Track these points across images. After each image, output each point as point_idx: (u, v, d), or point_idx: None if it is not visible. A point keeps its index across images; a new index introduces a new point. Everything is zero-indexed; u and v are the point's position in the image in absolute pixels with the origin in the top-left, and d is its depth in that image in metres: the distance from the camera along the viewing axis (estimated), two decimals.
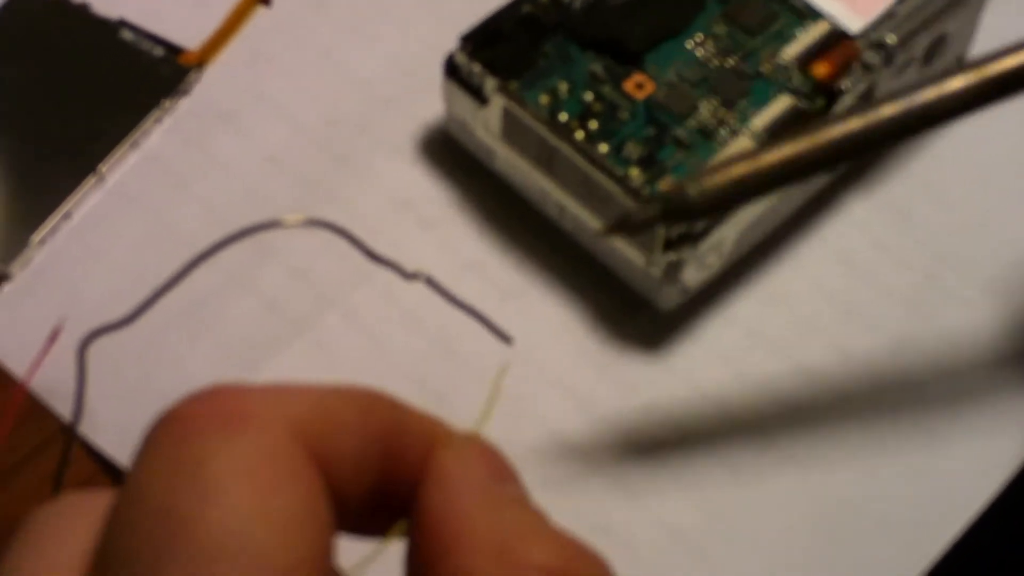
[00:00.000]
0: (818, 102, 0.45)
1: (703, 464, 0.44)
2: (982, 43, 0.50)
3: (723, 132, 0.44)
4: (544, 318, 0.46)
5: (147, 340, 0.45)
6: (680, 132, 0.44)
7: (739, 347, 0.46)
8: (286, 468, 0.21)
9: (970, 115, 0.39)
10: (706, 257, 0.44)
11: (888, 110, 0.38)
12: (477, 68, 0.45)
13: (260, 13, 0.52)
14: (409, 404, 0.24)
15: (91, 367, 0.43)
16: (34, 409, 0.44)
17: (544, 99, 0.45)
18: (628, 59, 0.46)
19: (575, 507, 0.42)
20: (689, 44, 0.46)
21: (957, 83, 0.39)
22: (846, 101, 0.45)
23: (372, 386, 0.24)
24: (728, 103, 0.45)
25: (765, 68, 0.46)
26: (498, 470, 0.24)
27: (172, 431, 0.22)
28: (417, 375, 0.45)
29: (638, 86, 0.45)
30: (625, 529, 0.42)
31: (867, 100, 0.46)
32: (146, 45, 0.51)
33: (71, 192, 0.48)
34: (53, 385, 0.44)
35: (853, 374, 0.45)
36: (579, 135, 0.44)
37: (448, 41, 0.46)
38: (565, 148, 0.44)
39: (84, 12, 0.51)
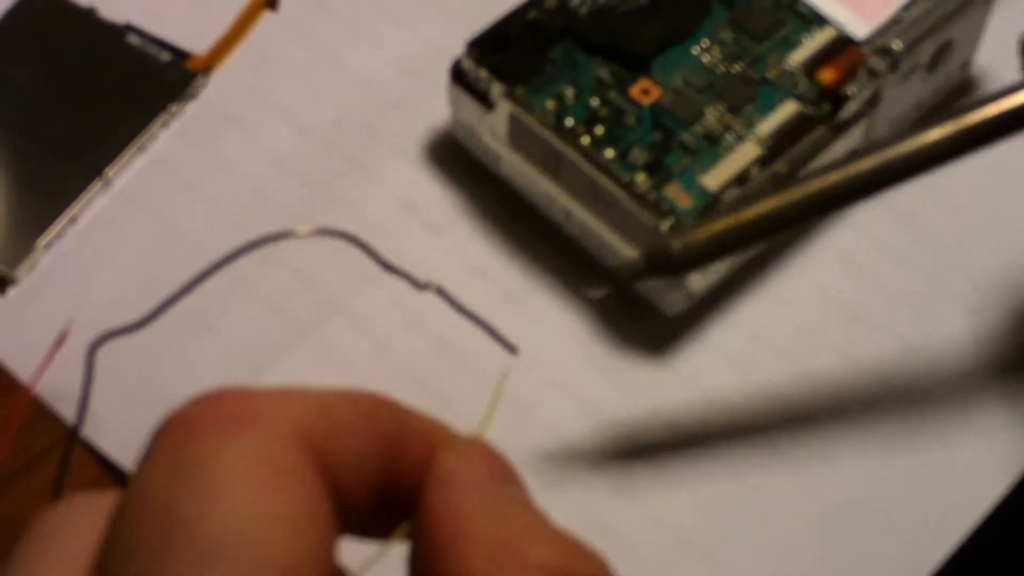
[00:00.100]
0: (824, 108, 0.45)
1: (707, 467, 0.44)
2: (987, 49, 0.50)
3: (729, 138, 0.44)
4: (549, 322, 0.46)
5: (152, 344, 0.45)
6: (686, 137, 0.44)
7: (744, 351, 0.46)
8: (287, 469, 0.22)
9: (949, 165, 0.39)
10: None
11: (867, 163, 0.39)
12: (484, 73, 0.45)
13: (267, 17, 0.52)
14: (412, 407, 0.24)
15: (97, 371, 0.43)
16: (40, 413, 0.44)
17: (550, 104, 0.45)
18: (634, 65, 0.46)
19: (578, 509, 0.42)
20: (695, 50, 0.46)
21: (935, 134, 0.39)
22: (852, 107, 0.45)
23: (376, 390, 0.24)
24: (734, 109, 0.45)
25: (771, 74, 0.46)
26: (500, 472, 0.24)
27: (175, 433, 0.22)
28: (421, 379, 0.45)
29: (644, 92, 0.45)
30: (628, 531, 0.42)
31: (872, 105, 0.46)
32: (153, 50, 0.51)
33: (77, 196, 0.48)
34: (59, 389, 0.44)
35: (857, 377, 0.45)
36: (585, 140, 0.44)
37: (455, 44, 0.46)
38: (571, 153, 0.44)
39: (91, 17, 0.51)
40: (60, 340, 0.44)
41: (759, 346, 0.46)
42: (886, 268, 0.47)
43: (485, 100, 0.46)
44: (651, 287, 0.45)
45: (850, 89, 0.45)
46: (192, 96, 0.50)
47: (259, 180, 0.49)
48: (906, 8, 0.46)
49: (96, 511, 0.23)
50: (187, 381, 0.44)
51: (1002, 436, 0.44)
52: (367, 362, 0.45)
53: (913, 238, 0.48)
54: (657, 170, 0.44)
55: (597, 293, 0.40)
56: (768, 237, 0.41)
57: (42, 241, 0.47)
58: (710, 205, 0.43)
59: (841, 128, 0.45)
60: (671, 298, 0.44)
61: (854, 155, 0.40)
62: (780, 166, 0.44)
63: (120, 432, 0.44)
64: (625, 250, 0.44)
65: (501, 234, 0.48)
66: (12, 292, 0.46)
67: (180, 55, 0.51)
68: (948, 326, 0.46)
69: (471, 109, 0.46)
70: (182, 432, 0.22)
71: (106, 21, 0.51)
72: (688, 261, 0.40)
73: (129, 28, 0.51)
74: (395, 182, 0.49)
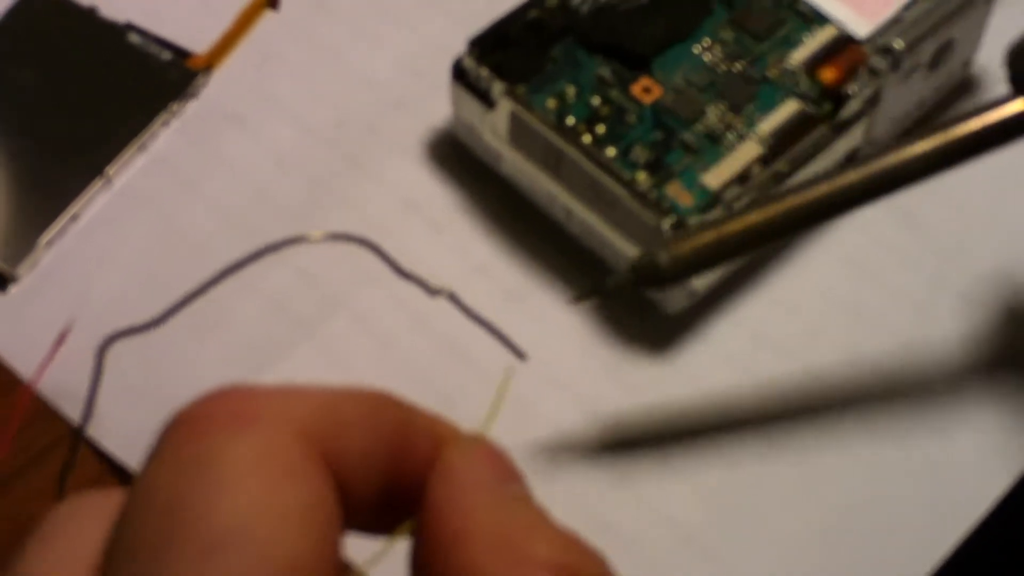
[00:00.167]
0: (825, 107, 0.45)
1: (708, 464, 0.44)
2: (988, 48, 0.50)
3: (730, 136, 0.44)
4: (551, 320, 0.46)
5: (156, 342, 0.45)
6: (687, 136, 0.44)
7: (745, 349, 0.46)
8: (292, 465, 0.22)
9: (934, 177, 0.40)
10: None
11: (852, 176, 0.40)
12: (485, 72, 0.45)
13: (268, 16, 0.52)
14: (416, 405, 0.25)
15: (93, 368, 0.43)
16: (41, 411, 0.44)
17: (551, 103, 0.45)
18: (635, 64, 0.46)
19: (579, 506, 0.42)
20: (696, 49, 0.46)
21: (920, 148, 0.40)
22: (853, 106, 0.45)
23: (382, 388, 0.24)
24: (735, 108, 0.45)
25: (772, 73, 0.46)
26: (503, 470, 0.24)
27: (181, 430, 0.22)
28: (424, 378, 0.45)
29: (645, 90, 0.45)
30: (629, 528, 0.42)
31: (873, 104, 0.46)
32: (154, 49, 0.51)
33: (78, 194, 0.48)
34: (61, 387, 0.44)
35: (859, 375, 0.45)
36: (586, 139, 0.44)
37: (456, 43, 0.46)
38: (572, 152, 0.44)
39: (92, 16, 0.51)
40: (61, 338, 0.44)
41: (760, 344, 0.46)
42: (887, 266, 0.47)
43: (486, 99, 0.46)
44: None
45: (851, 88, 0.45)
46: (193, 95, 0.50)
47: (260, 179, 0.49)
48: (907, 7, 0.46)
49: (102, 509, 0.23)
50: (190, 380, 0.44)
51: (1003, 434, 0.44)
52: (370, 361, 0.45)
53: (914, 237, 0.48)
54: (658, 169, 0.44)
55: (583, 303, 0.41)
56: (755, 249, 0.42)
57: (43, 239, 0.47)
58: (711, 204, 0.43)
59: (842, 127, 0.45)
60: (673, 296, 0.44)
61: (840, 168, 0.40)
62: (781, 165, 0.44)
63: (123, 430, 0.44)
64: (626, 248, 0.44)
65: (502, 232, 0.48)
66: (13, 290, 0.46)
67: (181, 54, 0.51)
68: (949, 324, 0.46)
69: (472, 108, 0.46)
70: (188, 429, 0.22)
71: (107, 20, 0.51)
72: (676, 273, 0.40)
73: (130, 27, 0.51)
74: (396, 181, 0.49)
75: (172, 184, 0.49)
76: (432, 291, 0.40)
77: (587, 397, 0.45)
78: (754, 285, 0.47)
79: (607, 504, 0.43)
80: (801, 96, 0.45)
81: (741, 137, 0.44)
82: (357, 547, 0.24)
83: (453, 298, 0.42)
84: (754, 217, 0.40)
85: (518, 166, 0.46)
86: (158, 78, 0.50)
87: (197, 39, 0.51)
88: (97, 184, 0.48)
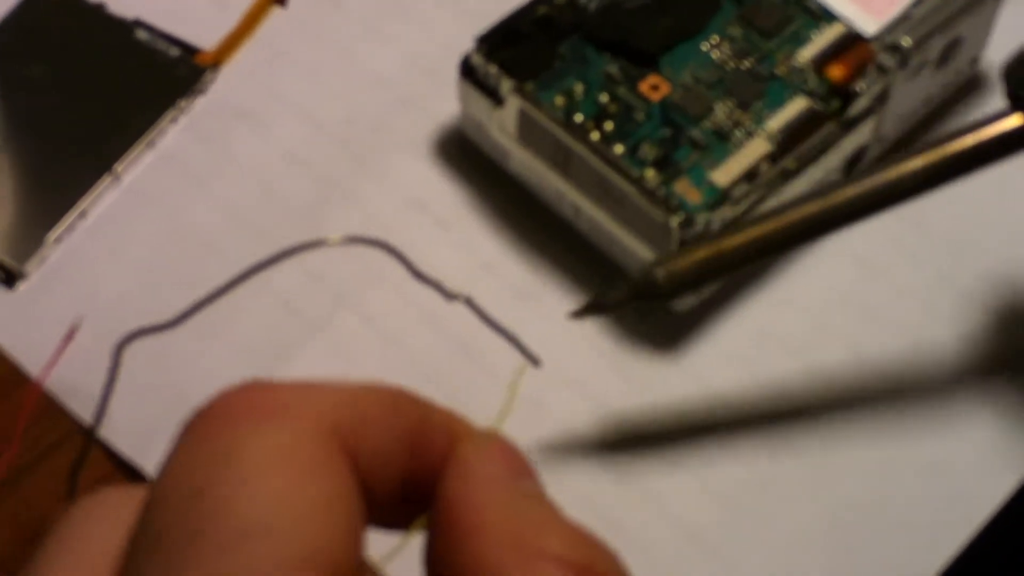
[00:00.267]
0: (833, 104, 0.45)
1: (715, 463, 0.44)
2: (996, 45, 0.50)
3: (738, 133, 0.44)
4: (559, 318, 0.46)
5: (164, 340, 0.45)
6: (695, 133, 0.44)
7: (752, 348, 0.46)
8: (317, 459, 0.22)
9: (931, 193, 0.40)
10: None
11: (847, 193, 0.40)
12: (493, 69, 0.45)
13: (276, 13, 0.52)
14: (432, 400, 0.25)
15: (107, 365, 0.44)
16: (49, 408, 0.44)
17: (560, 100, 0.45)
18: (644, 61, 0.46)
19: (586, 503, 0.42)
20: (705, 46, 0.46)
21: (915, 164, 0.40)
22: (861, 103, 0.45)
23: (397, 383, 0.24)
24: (743, 105, 0.45)
25: (780, 70, 0.46)
26: (517, 465, 0.24)
27: (206, 423, 0.22)
28: (434, 378, 0.45)
29: (653, 88, 0.45)
30: (636, 526, 0.42)
31: (882, 102, 0.46)
32: (162, 45, 0.51)
33: (87, 191, 0.48)
34: (69, 384, 0.44)
35: (866, 374, 0.45)
36: (595, 136, 0.44)
37: (465, 41, 0.46)
38: (580, 149, 0.44)
39: (100, 12, 0.52)
40: (69, 335, 0.44)
41: (767, 343, 0.46)
42: (895, 265, 0.47)
43: (494, 96, 0.46)
44: None
45: (859, 85, 0.45)
46: (201, 91, 0.50)
47: (268, 176, 0.49)
48: (915, 4, 0.46)
49: (121, 505, 0.23)
50: (202, 379, 0.44)
51: (1011, 433, 0.44)
52: (381, 361, 0.45)
53: (922, 236, 0.48)
54: (666, 166, 0.44)
55: (581, 318, 0.41)
56: (751, 264, 0.42)
57: (51, 236, 0.47)
58: (719, 201, 0.43)
59: (850, 124, 0.45)
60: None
61: (836, 184, 0.40)
62: (789, 162, 0.44)
63: (131, 427, 0.44)
64: (634, 245, 0.44)
65: (510, 230, 0.48)
66: (22, 286, 0.46)
67: (189, 50, 0.51)
68: (957, 324, 0.46)
69: (480, 105, 0.46)
70: (213, 422, 0.22)
71: (115, 16, 0.51)
72: (672, 288, 0.40)
73: (138, 23, 0.51)
74: (404, 178, 0.49)
75: (180, 181, 0.49)
76: (449, 295, 0.40)
77: (594, 395, 0.45)
78: (761, 284, 0.47)
79: (613, 502, 0.43)
80: (809, 93, 0.45)
81: (749, 134, 0.44)
82: (372, 542, 0.24)
83: (470, 303, 0.42)
84: (750, 233, 0.40)
85: (526, 163, 0.46)
86: (166, 74, 0.50)
87: (205, 35, 0.51)
88: (105, 181, 0.48)
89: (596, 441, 0.44)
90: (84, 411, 0.44)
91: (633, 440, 0.44)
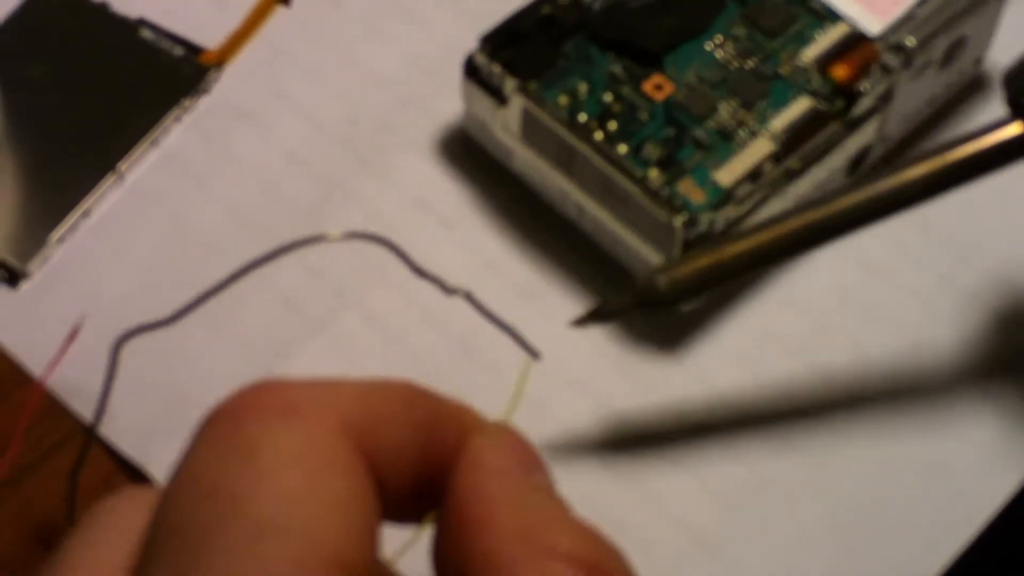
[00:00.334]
0: (837, 104, 0.45)
1: (718, 463, 0.44)
2: (1000, 45, 0.50)
3: (742, 133, 0.44)
4: (562, 317, 0.46)
5: (166, 338, 0.45)
6: (699, 133, 0.44)
7: (755, 348, 0.46)
8: (334, 457, 0.22)
9: (932, 201, 0.40)
10: None
11: (847, 201, 0.40)
12: (497, 68, 0.45)
13: (280, 12, 0.52)
14: (443, 394, 0.25)
15: (108, 363, 0.44)
16: (51, 408, 0.44)
17: (563, 100, 0.45)
18: (647, 60, 0.46)
19: (589, 504, 0.42)
20: (708, 46, 0.46)
21: (916, 172, 0.40)
22: (865, 103, 0.45)
23: (408, 379, 0.24)
24: (747, 104, 0.45)
25: (784, 70, 0.46)
26: (528, 459, 0.24)
27: (225, 420, 0.22)
28: (435, 373, 0.45)
29: (657, 87, 0.45)
30: (639, 527, 0.42)
31: (886, 101, 0.46)
32: (165, 44, 0.51)
33: (90, 190, 0.48)
34: (71, 383, 0.44)
35: (869, 374, 0.45)
36: (598, 136, 0.44)
37: (468, 40, 0.46)
38: (584, 149, 0.44)
39: (103, 11, 0.51)
40: (72, 334, 0.44)
41: (771, 343, 0.46)
42: (898, 266, 0.47)
43: (498, 95, 0.46)
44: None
45: (863, 85, 0.45)
46: (205, 91, 0.50)
47: (271, 175, 0.49)
48: (919, 4, 0.46)
49: (140, 506, 0.23)
50: (203, 377, 0.44)
51: (1013, 433, 0.44)
52: (379, 356, 0.45)
53: (926, 236, 0.48)
54: (670, 165, 0.44)
55: (583, 326, 0.41)
56: (752, 272, 0.42)
57: (54, 235, 0.47)
58: (723, 200, 0.43)
59: (854, 124, 0.45)
60: None
61: (836, 192, 0.41)
62: (793, 162, 0.44)
63: (133, 426, 0.44)
64: (638, 245, 0.44)
65: (514, 229, 0.48)
66: (24, 286, 0.46)
67: (193, 49, 0.51)
68: (960, 324, 0.46)
69: (484, 104, 0.46)
70: (232, 419, 0.22)
71: (119, 15, 0.51)
72: (674, 296, 0.40)
73: (142, 22, 0.51)
74: (407, 178, 0.49)
75: (183, 180, 0.49)
76: (449, 290, 0.40)
77: (597, 395, 0.45)
78: (763, 285, 0.47)
79: (614, 501, 0.43)
80: (813, 93, 0.45)
81: (753, 134, 0.44)
82: (384, 537, 0.24)
83: (470, 297, 0.42)
84: (752, 241, 0.41)
85: (530, 163, 0.46)
86: (170, 74, 0.50)
87: (209, 35, 0.51)
88: (108, 180, 0.48)
89: (598, 440, 0.44)
90: (86, 411, 0.44)
91: (635, 439, 0.44)
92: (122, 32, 0.51)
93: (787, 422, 0.44)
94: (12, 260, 0.46)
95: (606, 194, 0.44)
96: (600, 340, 0.45)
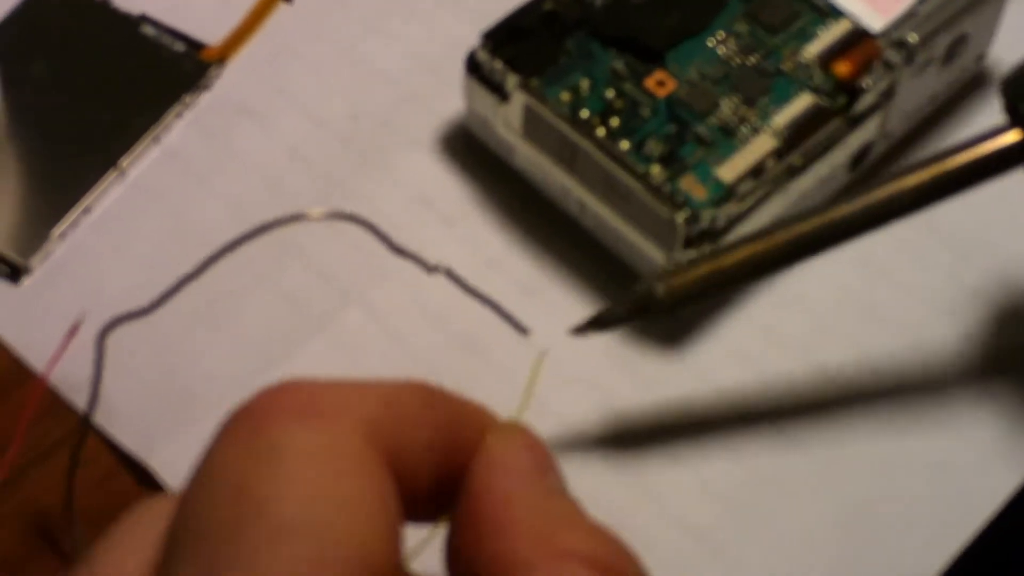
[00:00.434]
0: (839, 100, 0.45)
1: (720, 461, 0.44)
2: (1002, 42, 0.50)
3: (744, 130, 0.44)
4: (564, 314, 0.46)
5: (166, 333, 0.45)
6: (701, 129, 0.44)
7: (757, 346, 0.46)
8: (358, 459, 0.22)
9: (928, 209, 0.40)
10: None
11: (845, 209, 0.40)
12: (499, 65, 0.45)
13: (282, 9, 0.52)
14: (458, 394, 0.25)
15: (111, 359, 0.43)
16: (54, 404, 0.44)
17: (565, 96, 0.45)
18: (650, 57, 0.46)
19: (591, 502, 0.42)
20: (711, 42, 0.46)
21: (917, 178, 0.40)
22: (867, 99, 0.45)
23: (425, 378, 0.24)
24: (749, 101, 0.45)
25: (786, 66, 0.46)
26: (542, 460, 0.25)
27: (248, 420, 0.22)
28: (437, 370, 0.45)
29: (659, 84, 0.45)
30: (641, 525, 0.42)
31: (888, 98, 0.46)
32: (167, 40, 0.51)
33: (91, 187, 0.48)
34: (73, 379, 0.44)
35: (871, 373, 0.45)
36: (600, 132, 0.44)
37: (470, 37, 0.46)
38: (586, 145, 0.44)
39: (105, 7, 0.52)
40: (73, 330, 0.44)
41: (772, 341, 0.46)
42: (900, 264, 0.47)
43: (500, 92, 0.46)
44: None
45: (865, 82, 0.45)
46: (206, 87, 0.50)
47: (273, 172, 0.49)
48: (921, 1, 0.46)
49: (163, 516, 0.23)
50: (201, 370, 0.45)
51: (1015, 431, 0.44)
52: (382, 353, 0.45)
53: (928, 234, 0.48)
54: (672, 162, 0.44)
55: (583, 335, 0.41)
56: (751, 280, 0.42)
57: (56, 231, 0.47)
58: (725, 197, 0.43)
59: (856, 120, 0.45)
60: None
61: (835, 200, 0.41)
62: (795, 158, 0.44)
63: (134, 422, 0.44)
64: (640, 241, 0.44)
65: (516, 226, 0.48)
66: (26, 282, 0.46)
67: (195, 46, 0.51)
68: (962, 322, 0.46)
69: (486, 101, 0.46)
70: (255, 419, 0.22)
71: (120, 11, 0.51)
72: (672, 304, 0.40)
73: (143, 19, 0.51)
74: (410, 175, 0.49)
75: (185, 177, 0.49)
76: (429, 268, 0.40)
77: (599, 392, 0.45)
78: (766, 282, 0.47)
79: (617, 499, 0.43)
80: (815, 89, 0.45)
81: (755, 130, 0.44)
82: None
83: (451, 274, 0.42)
84: (751, 249, 0.41)
85: (532, 159, 0.46)
86: (171, 70, 0.50)
87: (211, 31, 0.51)
88: (110, 177, 0.48)
89: (599, 437, 0.44)
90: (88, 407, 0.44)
91: (636, 437, 0.44)
92: (123, 28, 0.51)
93: (788, 420, 0.44)
94: (14, 256, 0.46)
95: (608, 191, 0.44)
96: (602, 337, 0.45)
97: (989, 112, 0.50)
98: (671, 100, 0.45)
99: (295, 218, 0.42)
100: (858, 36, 0.46)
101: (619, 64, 0.45)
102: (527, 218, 0.48)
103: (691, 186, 0.43)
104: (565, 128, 0.44)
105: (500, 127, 0.47)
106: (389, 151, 0.49)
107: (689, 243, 0.43)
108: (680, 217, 0.43)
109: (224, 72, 0.51)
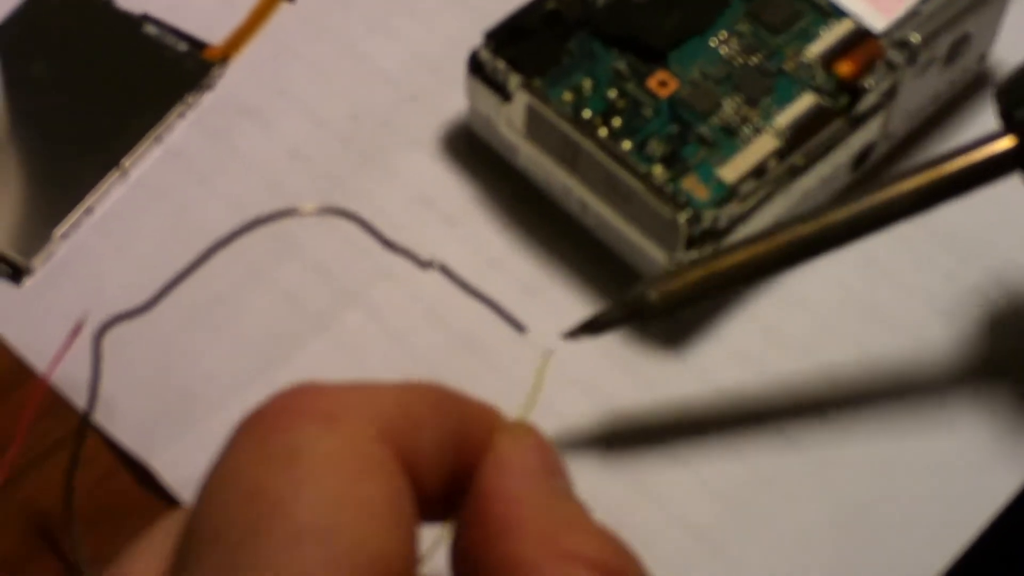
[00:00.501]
0: (841, 100, 0.45)
1: (721, 462, 0.43)
2: (1004, 43, 0.50)
3: (746, 130, 0.44)
4: (565, 314, 0.46)
5: (166, 333, 0.45)
6: (703, 130, 0.44)
7: (758, 346, 0.46)
8: (375, 462, 0.22)
9: (922, 214, 0.40)
10: None
11: (839, 215, 0.40)
12: (501, 65, 0.45)
13: (284, 8, 0.52)
14: (467, 394, 0.25)
15: (110, 359, 0.43)
16: (56, 404, 0.44)
17: (568, 96, 0.45)
18: (652, 57, 0.46)
19: (591, 502, 0.42)
20: (713, 42, 0.46)
21: (910, 184, 0.40)
22: (869, 99, 0.45)
23: (436, 380, 0.24)
24: (752, 101, 0.45)
25: (789, 66, 0.46)
26: (550, 462, 0.25)
27: (264, 423, 0.23)
28: (437, 369, 0.45)
29: (662, 84, 0.45)
30: (641, 525, 0.42)
31: (890, 98, 0.46)
32: (170, 40, 0.51)
33: (94, 186, 0.48)
34: (75, 380, 0.44)
35: (872, 373, 0.45)
36: (602, 132, 0.44)
37: (472, 37, 0.46)
38: (588, 145, 0.44)
39: (108, 7, 0.52)
40: (76, 330, 0.44)
41: (773, 341, 0.46)
42: (902, 264, 0.47)
43: (502, 91, 0.46)
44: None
45: (868, 82, 0.45)
46: (209, 87, 0.50)
47: (275, 172, 0.49)
48: (924, 1, 0.46)
49: (176, 531, 0.23)
50: (201, 370, 0.45)
51: (1016, 432, 0.44)
52: (381, 352, 0.45)
53: (930, 234, 0.48)
54: (674, 162, 0.44)
55: (575, 339, 0.41)
56: (744, 285, 0.43)
57: (58, 231, 0.47)
58: (727, 197, 0.43)
59: (858, 121, 0.45)
60: None
61: (829, 206, 0.41)
62: (797, 158, 0.44)
63: (134, 421, 0.44)
64: (642, 241, 0.44)
65: (518, 226, 0.48)
66: (28, 282, 0.46)
67: (197, 45, 0.51)
68: (964, 323, 0.46)
69: (488, 101, 0.46)
70: (271, 422, 0.22)
71: (123, 11, 0.51)
72: (664, 309, 0.40)
73: (146, 18, 0.51)
74: (411, 174, 0.49)
75: (187, 177, 0.49)
76: (423, 263, 0.40)
77: (600, 392, 0.45)
78: (767, 283, 0.47)
79: (617, 499, 0.43)
80: (818, 89, 0.45)
81: (757, 130, 0.44)
82: None
83: (445, 270, 0.42)
84: (743, 254, 0.41)
85: (534, 159, 0.46)
86: (174, 69, 0.50)
87: (213, 31, 0.51)
88: (112, 176, 0.48)
89: (599, 437, 0.44)
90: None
91: (636, 436, 0.44)
92: (126, 28, 0.51)
93: (789, 420, 0.44)
94: (16, 256, 0.46)
95: (610, 191, 0.44)
96: (603, 337, 0.45)
97: (991, 112, 0.49)
98: (673, 100, 0.45)
99: (286, 213, 0.42)
100: (860, 36, 0.46)
101: (621, 64, 0.45)
102: (529, 218, 0.48)
103: (693, 186, 0.43)
104: (567, 128, 0.44)
105: (502, 127, 0.47)
106: (390, 151, 0.49)
107: (691, 243, 0.43)
108: (682, 217, 0.43)
109: (226, 72, 0.51)
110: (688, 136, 0.44)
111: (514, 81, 0.45)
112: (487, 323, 0.45)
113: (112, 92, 0.50)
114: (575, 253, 0.47)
